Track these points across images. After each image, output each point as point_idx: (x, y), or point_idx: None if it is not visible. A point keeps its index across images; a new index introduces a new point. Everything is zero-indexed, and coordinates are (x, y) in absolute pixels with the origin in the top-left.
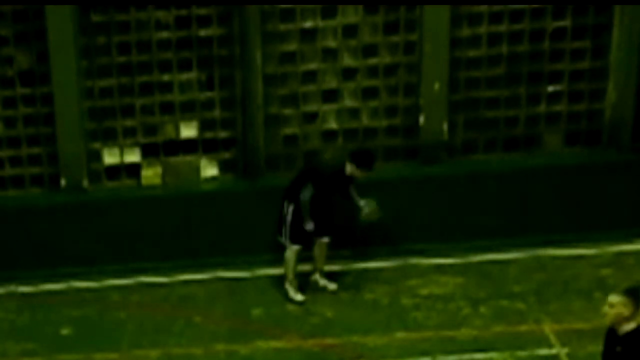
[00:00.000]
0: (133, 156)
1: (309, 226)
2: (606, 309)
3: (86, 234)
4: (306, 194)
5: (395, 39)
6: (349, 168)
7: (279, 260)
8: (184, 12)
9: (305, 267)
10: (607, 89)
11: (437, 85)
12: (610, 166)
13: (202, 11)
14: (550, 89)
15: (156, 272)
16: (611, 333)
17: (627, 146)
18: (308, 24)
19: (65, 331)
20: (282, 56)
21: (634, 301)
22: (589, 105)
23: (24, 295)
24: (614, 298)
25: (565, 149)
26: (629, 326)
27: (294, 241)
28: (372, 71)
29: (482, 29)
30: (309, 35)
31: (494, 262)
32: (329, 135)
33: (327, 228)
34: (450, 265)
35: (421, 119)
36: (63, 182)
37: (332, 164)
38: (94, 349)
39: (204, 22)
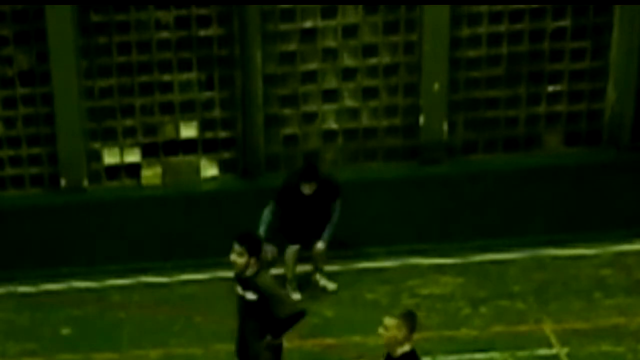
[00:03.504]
0: (133, 156)
1: (266, 248)
2: (381, 331)
3: (86, 234)
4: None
5: (395, 39)
6: (302, 187)
7: (278, 260)
8: (184, 12)
9: (305, 267)
10: (607, 89)
11: (437, 85)
12: (610, 166)
13: (202, 11)
14: (550, 89)
15: (156, 272)
16: (388, 357)
17: (627, 146)
18: (308, 24)
19: (65, 331)
20: (282, 56)
21: (408, 325)
22: (589, 105)
23: (24, 295)
24: (388, 321)
25: (565, 149)
26: (404, 349)
27: (290, 241)
28: (372, 71)
29: (482, 29)
30: (309, 35)
31: (494, 262)
32: (329, 135)
33: (320, 231)
34: (450, 265)
35: (421, 119)
36: (63, 182)
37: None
38: (94, 349)
39: (204, 22)
